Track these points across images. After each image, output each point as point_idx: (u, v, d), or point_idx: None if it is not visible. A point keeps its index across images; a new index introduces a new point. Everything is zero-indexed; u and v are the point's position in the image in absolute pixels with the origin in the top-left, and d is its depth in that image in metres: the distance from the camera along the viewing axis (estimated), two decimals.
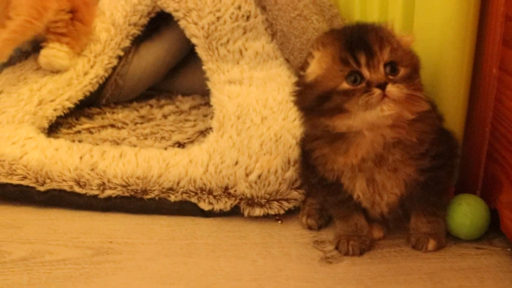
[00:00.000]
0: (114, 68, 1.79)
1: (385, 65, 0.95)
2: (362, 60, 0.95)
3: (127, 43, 1.77)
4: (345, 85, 0.95)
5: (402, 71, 0.96)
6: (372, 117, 0.94)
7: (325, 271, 1.05)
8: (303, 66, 1.03)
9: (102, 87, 1.79)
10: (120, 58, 1.77)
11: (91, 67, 1.71)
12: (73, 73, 1.68)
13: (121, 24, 1.76)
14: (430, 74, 1.13)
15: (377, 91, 0.92)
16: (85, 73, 1.69)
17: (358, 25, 1.02)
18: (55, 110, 1.59)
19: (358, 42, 0.96)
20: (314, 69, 0.99)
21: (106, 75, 1.74)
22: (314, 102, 0.98)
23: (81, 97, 1.67)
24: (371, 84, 0.94)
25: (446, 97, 1.14)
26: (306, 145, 1.09)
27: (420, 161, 1.02)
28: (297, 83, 1.04)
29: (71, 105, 1.65)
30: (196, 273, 1.05)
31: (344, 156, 1.01)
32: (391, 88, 0.93)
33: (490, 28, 1.09)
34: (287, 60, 1.58)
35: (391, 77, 0.95)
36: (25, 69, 1.69)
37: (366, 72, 0.95)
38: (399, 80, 0.95)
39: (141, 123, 1.71)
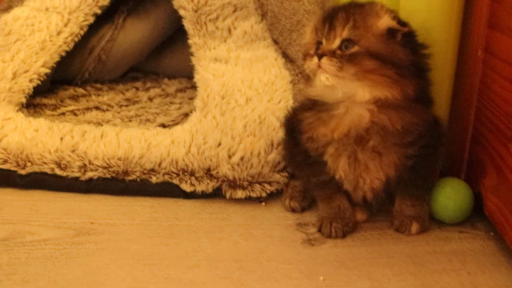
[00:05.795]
0: (98, 42, 1.77)
1: (342, 41, 0.99)
2: (325, 31, 1.01)
3: (106, 1, 1.68)
4: (311, 51, 1.03)
5: (353, 49, 0.98)
6: (318, 84, 1.00)
7: (307, 253, 1.05)
8: None
9: (84, 60, 1.78)
10: (96, 17, 1.70)
11: (65, 25, 1.64)
12: (46, 33, 1.62)
13: None
14: None
15: (314, 59, 0.99)
16: (59, 33, 1.63)
17: (346, 3, 1.05)
18: (30, 81, 1.54)
19: (329, 16, 1.02)
20: (305, 36, 1.09)
21: (82, 32, 1.67)
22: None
23: (57, 59, 1.62)
24: (317, 53, 1.00)
25: (432, 80, 1.13)
26: (298, 115, 1.11)
27: (406, 149, 1.02)
28: None
29: (48, 71, 1.59)
30: (177, 254, 1.04)
31: (326, 127, 1.02)
32: (323, 60, 0.98)
33: (476, 10, 1.09)
34: (276, 41, 1.57)
35: (340, 51, 0.98)
36: None
37: (324, 42, 1.01)
38: (346, 56, 0.97)
39: (126, 106, 1.69)
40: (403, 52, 0.99)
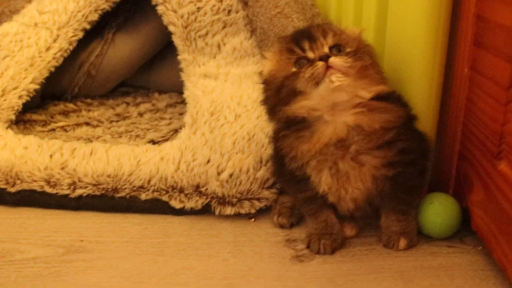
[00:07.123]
0: (88, 57, 1.79)
1: (330, 48, 1.01)
2: (306, 46, 1.02)
3: (95, 16, 1.69)
4: (293, 69, 1.02)
5: (348, 49, 1.01)
6: (325, 91, 0.98)
7: (296, 269, 1.05)
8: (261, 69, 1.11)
9: (74, 75, 1.79)
10: (85, 32, 1.71)
11: (54, 40, 1.65)
12: (35, 49, 1.62)
13: None
14: (402, 73, 1.14)
15: (320, 63, 0.97)
16: (48, 48, 1.64)
17: (306, 26, 1.11)
18: (20, 97, 1.55)
19: (302, 34, 1.05)
20: (266, 66, 1.08)
21: (71, 48, 1.68)
22: (273, 95, 1.05)
23: (46, 74, 1.63)
24: (314, 60, 0.99)
25: (419, 97, 1.14)
26: (276, 141, 1.11)
27: (386, 152, 1.03)
28: (262, 85, 1.10)
29: (37, 87, 1.60)
30: (166, 272, 1.05)
31: (308, 143, 1.02)
32: (334, 59, 0.98)
33: (462, 28, 1.09)
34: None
35: (336, 53, 1.01)
36: None
37: (310, 55, 1.01)
38: (349, 54, 1.00)
39: (117, 121, 1.70)
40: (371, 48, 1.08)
